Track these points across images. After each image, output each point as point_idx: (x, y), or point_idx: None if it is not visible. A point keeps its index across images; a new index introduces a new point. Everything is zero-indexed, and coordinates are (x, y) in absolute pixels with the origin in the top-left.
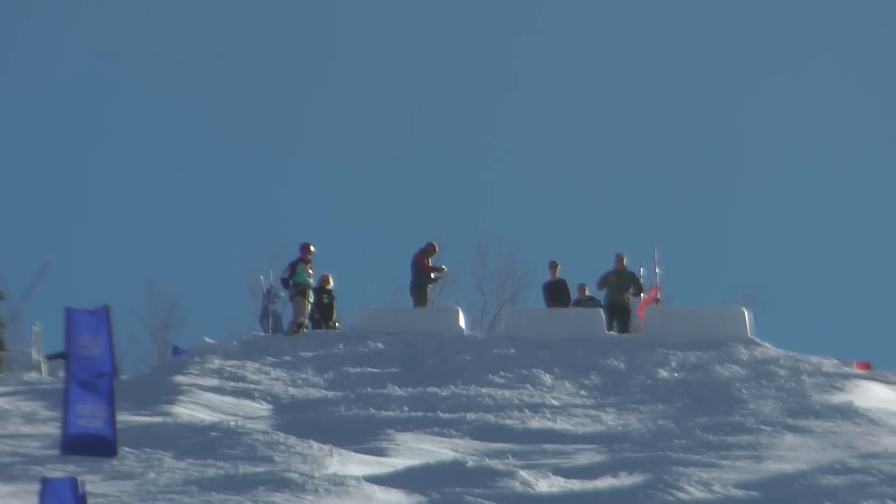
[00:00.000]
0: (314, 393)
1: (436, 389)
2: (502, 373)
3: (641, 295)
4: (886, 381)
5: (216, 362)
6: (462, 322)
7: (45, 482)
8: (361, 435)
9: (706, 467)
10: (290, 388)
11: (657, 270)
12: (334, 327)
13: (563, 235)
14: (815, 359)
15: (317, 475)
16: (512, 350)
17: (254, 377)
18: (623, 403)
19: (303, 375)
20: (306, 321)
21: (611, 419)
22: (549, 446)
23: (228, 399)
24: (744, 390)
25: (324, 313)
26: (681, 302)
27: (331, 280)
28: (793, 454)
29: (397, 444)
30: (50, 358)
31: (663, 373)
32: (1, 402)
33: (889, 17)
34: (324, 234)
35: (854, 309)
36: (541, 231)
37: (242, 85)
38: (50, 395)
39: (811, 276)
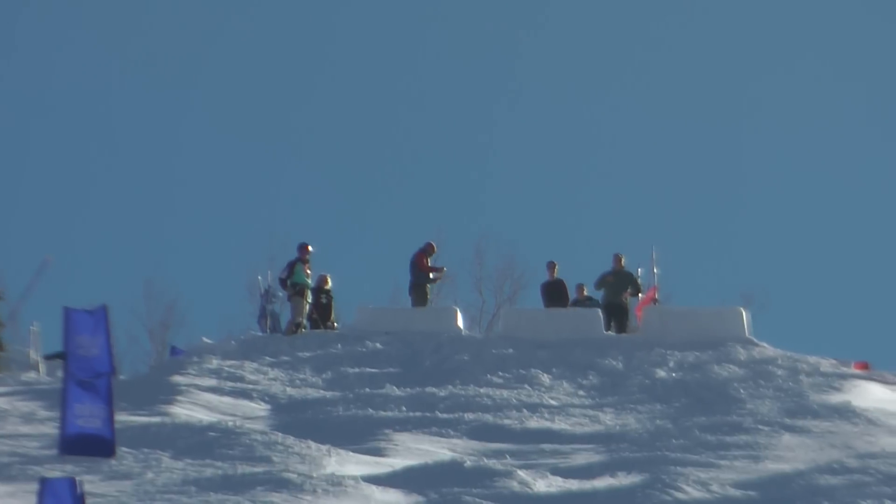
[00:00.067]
0: (312, 393)
1: (434, 389)
2: (500, 373)
3: (639, 295)
4: (884, 381)
5: (214, 362)
6: (460, 322)
7: (44, 482)
8: (359, 435)
9: (704, 467)
10: (288, 389)
11: (655, 270)
12: (332, 327)
13: (561, 235)
14: (812, 359)
15: (315, 475)
16: (510, 350)
17: (252, 377)
18: (621, 403)
19: (301, 375)
20: (304, 321)
21: (609, 419)
22: (547, 446)
23: (226, 399)
24: (742, 390)
25: (322, 313)
26: (679, 302)
27: (329, 280)
28: (790, 454)
29: (395, 444)
30: (48, 358)
31: (661, 373)
32: None
33: (888, 17)
34: (322, 234)
35: (852, 309)
36: (539, 231)
37: (241, 84)
38: (48, 395)
39: (809, 276)
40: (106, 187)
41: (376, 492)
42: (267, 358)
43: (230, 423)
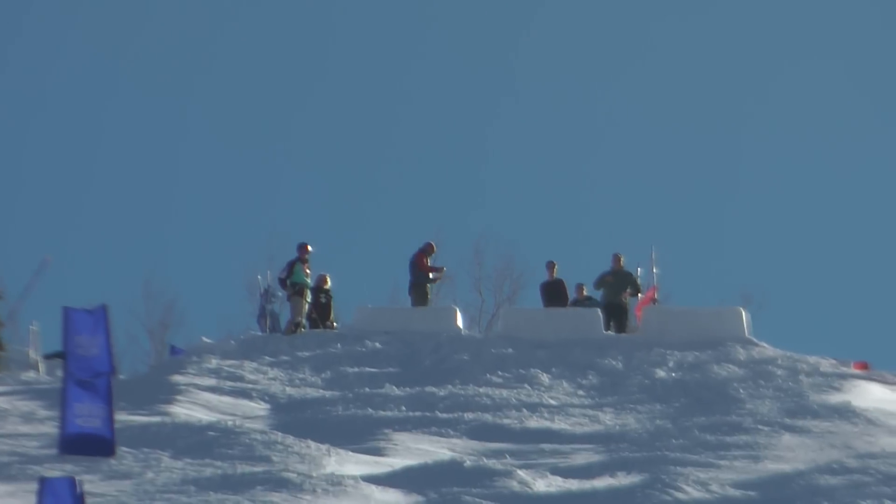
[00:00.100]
0: (312, 392)
1: (433, 389)
2: (500, 372)
3: (639, 295)
4: (884, 381)
5: (214, 362)
6: (460, 322)
7: (44, 482)
8: (359, 434)
9: (704, 467)
10: (287, 388)
11: (654, 270)
12: (332, 327)
13: (560, 235)
14: (812, 359)
15: (314, 475)
16: (510, 350)
17: (251, 377)
18: (621, 403)
19: (300, 375)
20: (304, 321)
21: (608, 419)
22: (546, 446)
23: (226, 399)
24: (741, 390)
25: (321, 313)
26: (678, 302)
27: (328, 280)
28: (790, 454)
29: (395, 444)
30: (48, 357)
31: (661, 373)
32: None
33: (887, 17)
34: (321, 233)
35: (852, 309)
36: (538, 231)
37: (240, 84)
38: (48, 395)
39: (809, 275)
40: (105, 187)
41: (376, 491)
42: (266, 357)
43: (230, 423)
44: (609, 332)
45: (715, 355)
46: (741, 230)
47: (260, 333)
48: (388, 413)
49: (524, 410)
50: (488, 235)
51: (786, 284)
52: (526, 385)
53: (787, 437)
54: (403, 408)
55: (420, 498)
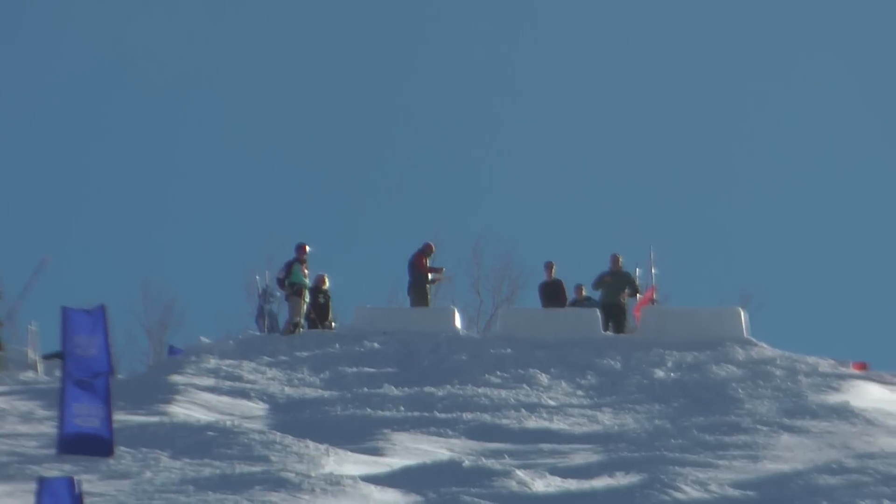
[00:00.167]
0: (310, 392)
1: (432, 389)
2: (499, 373)
3: (637, 295)
4: (882, 382)
5: (212, 362)
6: (458, 322)
7: (42, 481)
8: (358, 434)
9: (703, 467)
10: (286, 388)
11: (653, 270)
12: (330, 327)
13: (559, 235)
14: (811, 359)
15: (313, 475)
16: (508, 350)
17: (250, 377)
18: (619, 403)
19: (299, 375)
20: (302, 321)
21: (607, 419)
22: (545, 446)
23: (225, 399)
24: (740, 390)
25: (320, 313)
26: (677, 302)
27: (327, 280)
28: (789, 454)
29: (394, 444)
30: (46, 357)
31: (659, 373)
32: None
33: (887, 17)
34: (320, 233)
35: (850, 309)
36: (537, 231)
37: (239, 84)
38: (46, 395)
39: (808, 276)
40: (104, 187)
41: (374, 491)
42: (265, 357)
43: (228, 423)
44: (608, 332)
45: (714, 355)
46: (740, 230)
47: (258, 333)
48: (387, 413)
49: (523, 410)
50: (487, 236)
51: (785, 284)
52: (524, 385)
53: (785, 437)
54: (402, 408)
55: (419, 498)
